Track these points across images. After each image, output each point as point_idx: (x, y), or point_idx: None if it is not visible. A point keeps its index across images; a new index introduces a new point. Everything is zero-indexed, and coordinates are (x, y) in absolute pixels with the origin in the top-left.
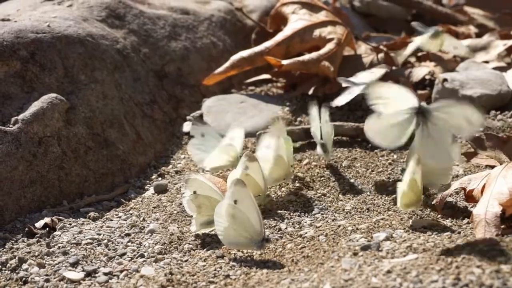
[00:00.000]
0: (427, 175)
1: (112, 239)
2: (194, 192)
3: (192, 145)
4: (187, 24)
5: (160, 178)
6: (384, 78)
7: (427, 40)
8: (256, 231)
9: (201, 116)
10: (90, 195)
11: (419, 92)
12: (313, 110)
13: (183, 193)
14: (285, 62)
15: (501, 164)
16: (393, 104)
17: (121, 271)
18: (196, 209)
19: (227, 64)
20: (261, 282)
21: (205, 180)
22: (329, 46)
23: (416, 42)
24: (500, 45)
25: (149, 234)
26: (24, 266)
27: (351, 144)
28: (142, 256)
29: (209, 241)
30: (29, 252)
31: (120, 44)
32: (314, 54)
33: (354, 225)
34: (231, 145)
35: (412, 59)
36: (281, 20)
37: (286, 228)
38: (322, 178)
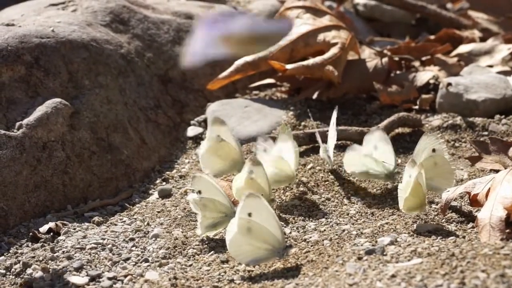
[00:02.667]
0: (430, 180)
1: (116, 244)
2: (199, 192)
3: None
4: (191, 29)
5: (164, 183)
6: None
7: None
8: (278, 240)
9: (205, 120)
10: (94, 200)
11: (423, 96)
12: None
13: (190, 190)
14: (289, 66)
15: (505, 168)
16: None
17: (126, 276)
18: (201, 210)
19: (231, 69)
20: (266, 286)
21: (211, 180)
22: (333, 51)
23: None
24: (504, 49)
25: (153, 238)
26: (29, 270)
27: None
28: (146, 260)
29: (213, 246)
30: (34, 257)
31: (124, 49)
32: (318, 59)
33: (359, 230)
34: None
35: (416, 63)
36: None
37: (290, 233)
38: (326, 183)
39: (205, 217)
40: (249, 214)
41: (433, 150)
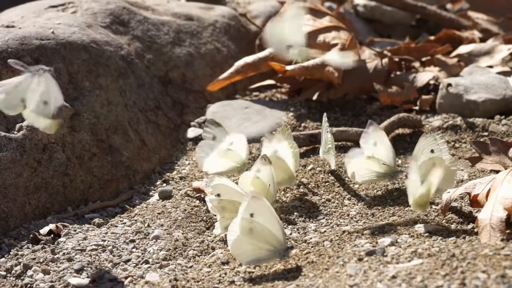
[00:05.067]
0: None
1: (116, 245)
2: (218, 195)
3: (199, 147)
4: (191, 30)
5: (164, 184)
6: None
7: None
8: (279, 241)
9: (205, 122)
10: (94, 201)
11: (423, 97)
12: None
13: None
14: (289, 67)
15: (505, 168)
16: None
17: (126, 277)
18: (220, 212)
19: (231, 70)
20: None
21: (230, 183)
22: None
23: None
24: (504, 50)
25: (154, 240)
26: (29, 272)
27: None
28: (147, 262)
29: (214, 247)
30: (34, 259)
31: (124, 50)
32: (318, 60)
33: (359, 231)
34: (232, 150)
35: (417, 64)
36: None
37: (291, 234)
38: (327, 184)
39: (224, 217)
40: (251, 215)
41: (432, 151)
